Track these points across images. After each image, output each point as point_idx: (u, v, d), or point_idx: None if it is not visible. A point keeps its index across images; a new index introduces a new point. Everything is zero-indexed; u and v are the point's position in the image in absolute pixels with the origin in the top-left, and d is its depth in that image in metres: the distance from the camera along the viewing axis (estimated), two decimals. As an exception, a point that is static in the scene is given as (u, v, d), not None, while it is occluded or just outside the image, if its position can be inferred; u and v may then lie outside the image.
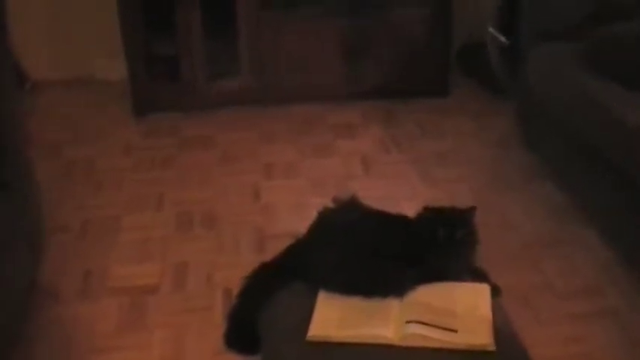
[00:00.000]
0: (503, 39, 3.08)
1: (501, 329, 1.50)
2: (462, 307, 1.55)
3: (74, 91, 3.53)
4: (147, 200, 2.66)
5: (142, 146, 3.06)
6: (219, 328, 1.76)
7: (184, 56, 3.17)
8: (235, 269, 1.94)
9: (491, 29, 3.15)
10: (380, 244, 1.61)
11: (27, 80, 3.45)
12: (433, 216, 1.65)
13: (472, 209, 1.67)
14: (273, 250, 1.72)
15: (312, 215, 1.69)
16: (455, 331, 1.48)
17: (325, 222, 1.70)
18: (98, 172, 2.86)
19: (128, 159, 2.97)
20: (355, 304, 1.56)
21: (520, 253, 2.36)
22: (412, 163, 2.89)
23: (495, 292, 1.64)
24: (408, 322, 1.49)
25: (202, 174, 2.84)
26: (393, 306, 1.55)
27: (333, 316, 1.52)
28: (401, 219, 1.70)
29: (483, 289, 1.61)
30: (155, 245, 2.40)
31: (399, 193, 2.66)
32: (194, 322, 2.06)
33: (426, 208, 1.68)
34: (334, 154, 2.97)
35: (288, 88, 3.30)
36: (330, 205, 1.73)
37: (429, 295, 1.58)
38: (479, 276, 1.69)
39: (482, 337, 1.47)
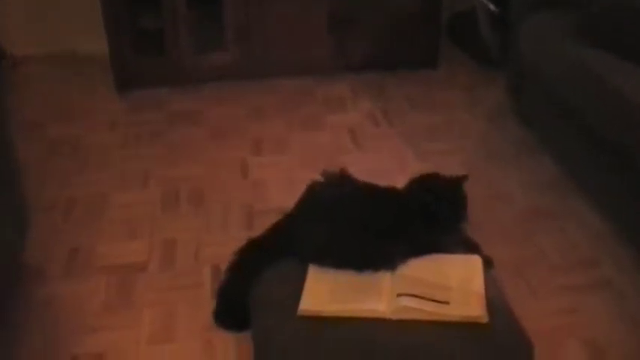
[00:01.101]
0: (493, 7, 3.05)
1: (494, 301, 1.52)
2: (454, 280, 1.57)
3: (56, 67, 3.50)
4: (133, 177, 2.65)
5: (128, 122, 3.04)
6: (208, 305, 1.80)
7: (169, 29, 3.14)
8: (224, 246, 1.94)
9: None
10: (370, 218, 1.62)
11: (6, 56, 3.39)
12: (422, 187, 1.68)
13: (463, 177, 1.70)
14: (262, 226, 1.74)
15: (301, 190, 1.71)
16: (447, 303, 1.50)
17: (314, 196, 1.72)
18: (83, 150, 2.84)
19: (113, 136, 2.95)
20: (346, 278, 1.57)
21: (513, 225, 2.37)
22: (402, 136, 2.89)
23: (488, 264, 1.67)
24: (399, 295, 1.51)
25: (189, 150, 2.83)
26: (384, 279, 1.56)
27: (323, 291, 1.54)
28: (391, 192, 1.71)
29: (475, 261, 1.63)
30: (142, 223, 2.39)
31: (389, 166, 2.65)
32: (183, 299, 2.05)
33: (415, 179, 1.70)
34: (323, 129, 2.96)
35: (276, 61, 3.30)
36: (320, 179, 1.74)
37: (421, 268, 1.60)
38: (471, 248, 1.71)
39: (474, 309, 1.48)
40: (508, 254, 2.18)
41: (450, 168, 1.61)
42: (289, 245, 1.66)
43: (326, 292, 1.54)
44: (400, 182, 1.68)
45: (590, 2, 2.39)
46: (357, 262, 1.60)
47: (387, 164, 2.68)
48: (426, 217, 1.62)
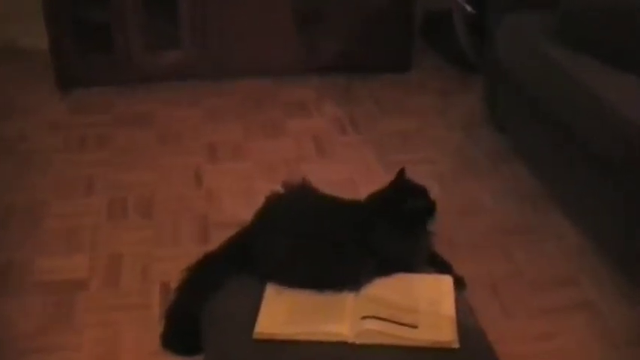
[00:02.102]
0: (469, 8, 3.07)
1: (466, 324, 1.52)
2: (423, 301, 1.57)
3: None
4: (76, 184, 2.63)
5: (71, 124, 3.00)
6: (156, 327, 1.75)
7: (118, 23, 3.10)
8: (175, 261, 1.92)
9: (457, -3, 3.15)
10: (333, 233, 1.61)
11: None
12: (385, 197, 1.69)
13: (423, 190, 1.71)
14: (217, 239, 1.71)
15: (259, 201, 1.69)
16: (415, 327, 1.49)
17: (274, 208, 1.71)
18: (22, 153, 2.81)
19: (55, 138, 2.92)
20: (306, 298, 1.56)
21: (488, 240, 2.39)
22: (371, 144, 2.90)
23: (460, 284, 1.66)
24: (364, 317, 1.50)
25: (139, 155, 2.82)
26: (347, 300, 1.55)
27: (282, 312, 1.53)
28: (356, 205, 1.71)
29: (446, 281, 1.63)
30: (85, 235, 2.38)
31: (356, 177, 2.67)
32: (129, 321, 2.04)
33: (376, 192, 1.71)
34: (285, 135, 2.97)
35: (234, 61, 3.28)
36: (280, 190, 1.73)
37: (387, 288, 1.59)
38: (441, 267, 1.71)
39: (445, 334, 1.48)
40: (481, 272, 2.20)
41: (421, 179, 1.65)
42: (246, 261, 1.64)
43: (284, 313, 1.53)
44: (366, 194, 1.69)
45: (567, 3, 2.45)
46: (319, 280, 1.58)
47: (353, 175, 2.69)
48: (392, 223, 1.62)
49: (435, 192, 1.67)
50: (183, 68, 3.22)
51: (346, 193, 1.70)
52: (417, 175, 1.65)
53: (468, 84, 3.29)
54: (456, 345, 1.46)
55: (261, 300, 1.56)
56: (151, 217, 2.45)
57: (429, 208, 1.66)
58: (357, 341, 1.46)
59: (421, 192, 1.68)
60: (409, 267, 1.63)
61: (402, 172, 1.68)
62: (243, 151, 2.82)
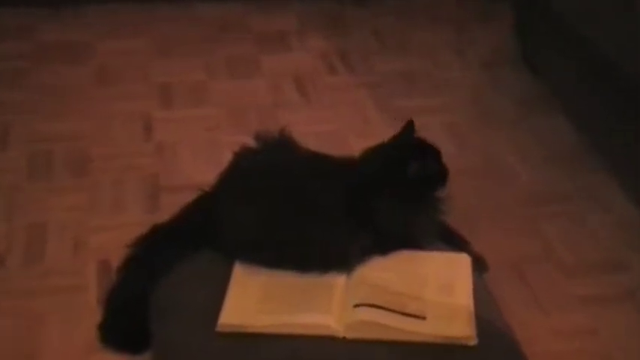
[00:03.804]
0: None
1: (486, 316, 1.53)
2: (433, 286, 1.58)
3: None
4: (-14, 134, 2.52)
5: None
6: (92, 316, 1.74)
7: None
8: (116, 234, 1.94)
9: None
10: (318, 200, 1.61)
11: None
12: (386, 156, 1.67)
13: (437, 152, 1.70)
14: (171, 207, 1.71)
15: (225, 159, 1.68)
16: (422, 318, 1.50)
17: (243, 168, 1.71)
18: None
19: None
20: (284, 281, 1.57)
21: (514, 211, 2.39)
22: (367, 87, 2.88)
23: (479, 265, 1.67)
24: (357, 305, 1.51)
25: (69, 99, 2.81)
26: (336, 284, 1.56)
27: (253, 299, 1.54)
28: (348, 165, 1.71)
29: (462, 262, 1.64)
30: (-1, 199, 2.27)
31: (348, 129, 2.66)
32: (56, 307, 2.05)
33: (374, 148, 1.70)
34: (258, 75, 2.96)
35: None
36: (251, 144, 1.72)
37: (387, 269, 1.60)
38: (456, 243, 1.72)
39: (459, 328, 1.49)
40: (506, 251, 2.21)
41: (430, 133, 1.63)
42: (208, 235, 1.65)
43: (256, 300, 1.54)
44: (360, 151, 1.69)
45: None
46: (300, 259, 1.59)
47: (344, 126, 2.69)
48: (394, 188, 1.63)
49: (448, 150, 1.67)
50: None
51: (335, 150, 1.70)
52: (426, 128, 1.65)
53: (490, 12, 3.31)
54: (474, 341, 1.47)
55: (227, 283, 1.56)
56: (85, 176, 2.46)
57: (440, 173, 1.67)
58: (348, 335, 1.47)
59: (431, 153, 1.68)
60: (414, 243, 1.65)
61: (410, 126, 1.68)
62: (205, 95, 2.82)
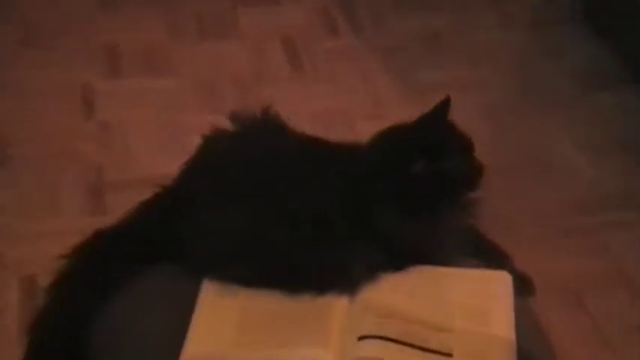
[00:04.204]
0: None
1: (531, 352, 1.45)
2: (461, 313, 1.48)
3: None
4: None
5: None
6: (11, 348, 1.72)
7: None
8: (45, 243, 1.87)
9: None
10: (313, 201, 1.51)
11: None
12: (400, 144, 1.56)
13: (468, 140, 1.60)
14: (119, 208, 1.60)
15: (192, 146, 1.59)
16: (448, 354, 1.41)
17: (215, 158, 1.61)
18: None
19: None
20: (267, 304, 1.48)
21: (570, 220, 2.25)
22: (379, 54, 2.71)
23: (523, 286, 1.58)
24: (362, 337, 1.43)
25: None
26: (336, 309, 1.48)
27: (227, 326, 1.45)
28: (353, 155, 1.60)
29: (500, 282, 1.53)
30: None
31: (354, 108, 2.52)
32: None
33: (389, 130, 1.59)
34: (236, 35, 2.77)
35: None
36: (226, 126, 1.63)
37: (401, 290, 1.51)
38: (492, 258, 1.62)
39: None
40: (558, 269, 2.09)
41: (458, 113, 1.53)
42: (168, 244, 1.54)
43: (231, 329, 1.44)
44: (369, 136, 1.57)
45: None
46: (288, 276, 1.49)
47: (348, 104, 2.53)
48: (410, 188, 1.50)
49: (482, 137, 1.58)
50: None
51: (337, 135, 1.60)
52: (454, 108, 1.54)
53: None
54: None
55: (193, 307, 1.48)
56: (3, 168, 2.30)
57: (469, 171, 1.56)
58: (351, 377, 1.47)
59: (457, 146, 1.57)
60: (436, 258, 1.55)
61: (444, 106, 1.57)
62: (165, 61, 2.64)
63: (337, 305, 1.46)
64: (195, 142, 1.57)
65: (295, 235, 1.48)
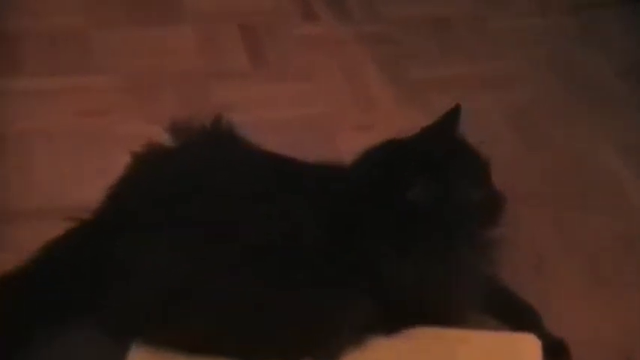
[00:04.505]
0: None
1: None
2: None
3: None
4: None
5: None
6: None
7: None
8: None
9: None
10: (282, 237, 1.31)
11: None
12: (395, 163, 1.39)
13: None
14: (20, 245, 1.46)
15: (119, 165, 1.43)
16: None
17: (150, 181, 1.41)
18: None
19: None
20: None
21: (619, 260, 1.93)
22: (369, 44, 2.51)
23: (556, 354, 1.40)
24: None
25: None
26: None
27: None
28: (335, 178, 1.40)
29: (526, 348, 1.34)
30: None
31: (334, 112, 2.28)
32: None
33: (378, 148, 1.43)
34: (179, 19, 2.51)
35: None
36: (164, 140, 1.46)
37: (399, 357, 1.33)
38: (518, 316, 1.43)
39: None
40: (604, 331, 1.77)
41: (476, 121, 1.37)
42: (85, 295, 1.32)
43: None
44: (352, 152, 1.40)
45: None
46: (249, 339, 1.27)
47: (330, 109, 2.28)
48: (409, 222, 1.32)
49: (507, 150, 1.55)
50: None
51: (313, 151, 1.43)
52: (470, 113, 1.36)
53: None
54: None
55: None
56: None
57: (488, 202, 1.39)
58: None
59: (474, 166, 1.39)
60: (445, 315, 1.35)
61: (453, 115, 1.41)
62: (85, 52, 2.36)
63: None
64: (123, 160, 1.46)
65: (253, 280, 1.27)
